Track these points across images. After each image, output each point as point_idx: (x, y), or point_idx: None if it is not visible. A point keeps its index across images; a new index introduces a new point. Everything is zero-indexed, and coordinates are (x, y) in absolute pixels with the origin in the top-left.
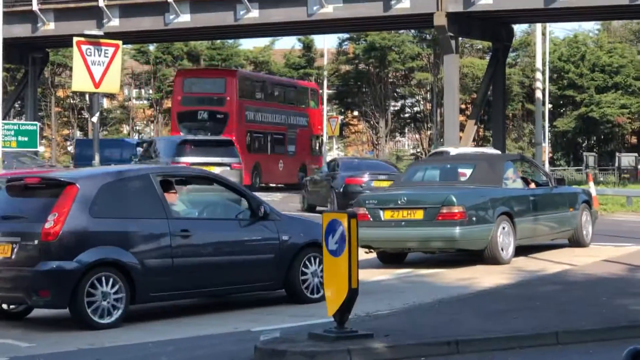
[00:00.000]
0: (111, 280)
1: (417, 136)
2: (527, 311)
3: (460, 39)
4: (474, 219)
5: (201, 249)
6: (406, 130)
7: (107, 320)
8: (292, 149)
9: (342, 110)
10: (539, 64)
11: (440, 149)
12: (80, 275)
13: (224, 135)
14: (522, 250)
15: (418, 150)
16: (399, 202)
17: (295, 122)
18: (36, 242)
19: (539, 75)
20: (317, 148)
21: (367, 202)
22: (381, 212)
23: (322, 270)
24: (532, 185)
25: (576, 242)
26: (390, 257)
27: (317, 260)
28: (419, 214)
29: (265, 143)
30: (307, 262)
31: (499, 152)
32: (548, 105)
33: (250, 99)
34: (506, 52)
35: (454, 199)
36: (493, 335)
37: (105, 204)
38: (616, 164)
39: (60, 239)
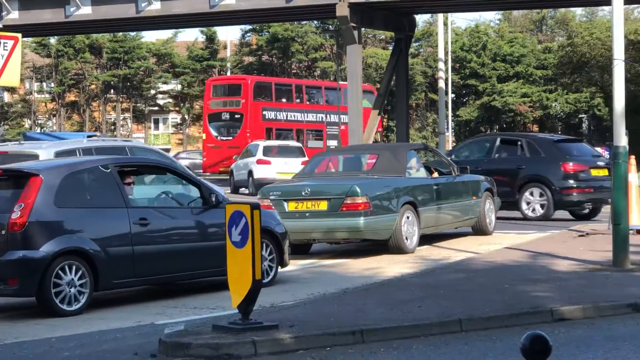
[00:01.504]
0: (75, 268)
1: None
2: (431, 299)
3: (363, 29)
4: (378, 209)
5: (159, 236)
6: None
7: (72, 308)
8: (335, 143)
9: None
10: (441, 54)
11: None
12: (47, 264)
13: (241, 132)
14: (426, 239)
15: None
16: (303, 193)
17: (336, 119)
18: (3, 232)
19: (441, 65)
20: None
21: (271, 193)
22: (285, 204)
23: (270, 255)
24: (436, 174)
25: (479, 230)
26: (295, 248)
27: (266, 245)
28: (323, 205)
29: (290, 138)
30: None
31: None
32: (451, 95)
33: (268, 101)
34: (409, 42)
35: (358, 190)
36: (398, 324)
37: (68, 194)
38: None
39: (26, 229)
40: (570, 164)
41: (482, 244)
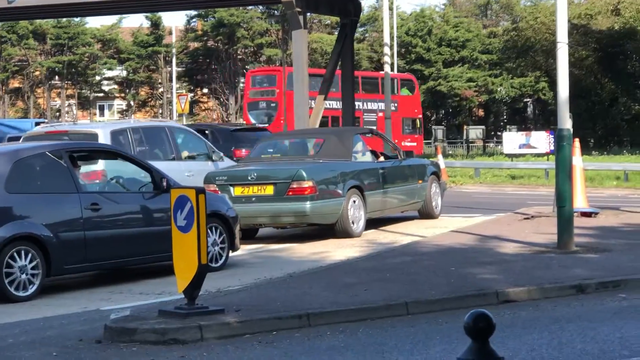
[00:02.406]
0: (27, 253)
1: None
2: (378, 283)
3: (308, 14)
4: (325, 193)
5: (110, 221)
6: None
7: (25, 293)
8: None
9: (192, 87)
10: (386, 39)
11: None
12: None
13: (276, 120)
14: (373, 223)
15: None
16: (249, 178)
17: (374, 107)
18: None
19: (387, 50)
20: (411, 128)
21: (216, 178)
22: (231, 188)
23: (222, 240)
24: (382, 159)
25: (426, 214)
26: (242, 233)
27: (217, 230)
28: (269, 190)
29: (326, 125)
30: (208, 232)
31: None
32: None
33: None
34: (354, 27)
35: (304, 174)
36: (344, 308)
37: (19, 180)
38: (464, 137)
39: None
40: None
41: (429, 228)
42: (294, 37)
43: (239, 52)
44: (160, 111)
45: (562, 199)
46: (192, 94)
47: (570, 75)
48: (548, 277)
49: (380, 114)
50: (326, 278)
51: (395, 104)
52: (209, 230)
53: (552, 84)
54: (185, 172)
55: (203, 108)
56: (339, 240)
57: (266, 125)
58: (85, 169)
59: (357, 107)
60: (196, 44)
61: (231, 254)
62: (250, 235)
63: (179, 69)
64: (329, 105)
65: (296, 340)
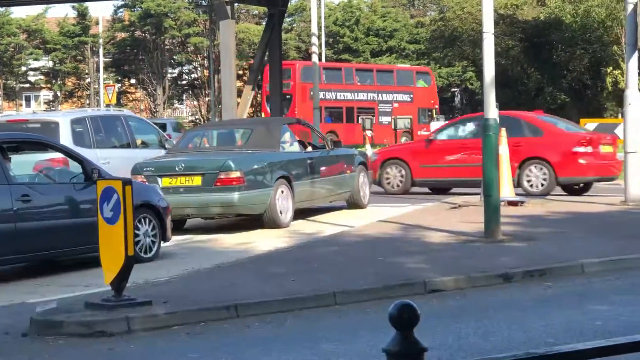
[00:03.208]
0: None
1: (196, 103)
2: (306, 273)
3: (236, 4)
4: (252, 183)
5: (41, 213)
6: (184, 97)
7: None
8: (388, 119)
9: (119, 78)
10: (314, 29)
11: None
12: None
13: (290, 111)
14: (301, 214)
15: (197, 117)
16: (177, 168)
17: (389, 98)
18: None
19: (314, 40)
20: (426, 118)
21: (144, 169)
22: (159, 179)
23: (153, 230)
24: (309, 149)
25: (354, 203)
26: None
27: (149, 220)
28: (197, 180)
29: (340, 116)
30: (138, 223)
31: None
32: None
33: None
34: (282, 17)
35: (232, 164)
36: (272, 298)
37: None
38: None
39: None
40: None
41: (356, 218)
42: (222, 28)
43: (166, 42)
44: (87, 102)
45: (489, 188)
46: (119, 85)
47: (496, 65)
48: (475, 266)
49: (396, 105)
50: (254, 269)
51: (411, 95)
52: (138, 222)
53: (479, 74)
54: (140, 159)
55: (131, 99)
56: (266, 230)
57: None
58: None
59: (372, 98)
60: (123, 34)
61: (163, 244)
62: (178, 226)
63: (106, 59)
64: (343, 97)
65: (224, 331)
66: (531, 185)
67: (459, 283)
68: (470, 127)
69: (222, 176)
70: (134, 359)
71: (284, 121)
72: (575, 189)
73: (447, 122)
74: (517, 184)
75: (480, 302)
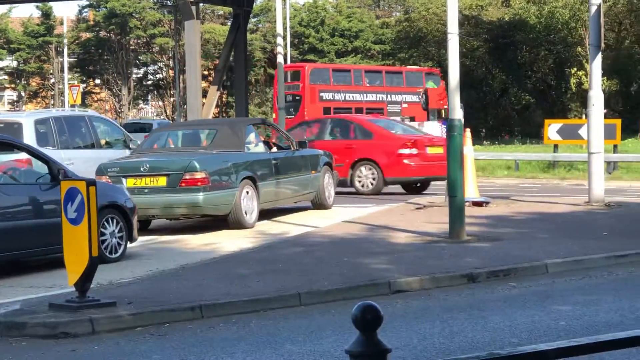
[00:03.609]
0: None
1: (161, 103)
2: (270, 274)
3: (201, 4)
4: (217, 184)
5: (6, 213)
6: (149, 98)
7: None
8: (398, 119)
9: (84, 78)
10: (279, 29)
11: None
12: None
13: (300, 112)
14: (266, 214)
15: (162, 117)
16: (142, 169)
17: (398, 99)
18: None
19: (280, 40)
20: (436, 118)
21: (109, 169)
22: (124, 180)
23: (119, 231)
24: (274, 149)
25: (319, 204)
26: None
27: (115, 221)
28: (162, 181)
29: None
30: (105, 223)
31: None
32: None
33: (325, 84)
34: (247, 17)
35: (197, 165)
36: (237, 299)
37: None
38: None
39: None
40: None
41: (321, 218)
42: (187, 28)
43: (131, 42)
44: (52, 102)
45: (454, 188)
46: (84, 85)
47: (461, 66)
48: (440, 266)
49: (405, 105)
50: (219, 269)
51: (417, 96)
52: (105, 222)
53: (444, 74)
54: (105, 159)
55: (96, 99)
56: (231, 231)
57: (292, 116)
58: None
59: (381, 99)
60: (88, 35)
61: (129, 245)
62: (144, 226)
63: (71, 59)
64: (352, 98)
65: (189, 332)
66: (362, 185)
67: (423, 283)
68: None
69: (187, 177)
70: None
71: (248, 121)
72: (414, 188)
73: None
74: (350, 183)
75: (445, 303)
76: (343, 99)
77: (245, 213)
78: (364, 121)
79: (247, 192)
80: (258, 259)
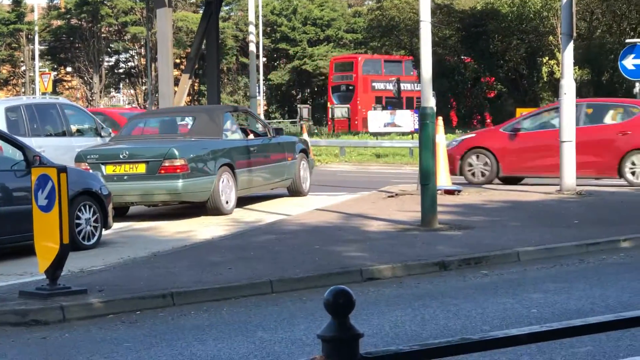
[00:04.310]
0: None
1: (132, 91)
2: (242, 262)
3: None
4: (196, 171)
5: None
6: (121, 86)
7: None
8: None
9: (55, 66)
10: (251, 18)
11: None
12: None
13: (353, 101)
14: (240, 202)
15: (134, 105)
16: (121, 156)
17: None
18: None
19: (252, 28)
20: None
21: (88, 156)
22: (103, 167)
23: (95, 218)
24: (251, 136)
25: (295, 191)
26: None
27: (90, 208)
28: (141, 168)
29: (401, 104)
30: (80, 210)
31: None
32: (262, 59)
33: (377, 74)
34: (219, 5)
35: (176, 152)
36: (208, 287)
37: None
38: (329, 115)
39: None
40: None
41: (294, 206)
42: (158, 16)
43: (103, 30)
44: (23, 90)
45: (426, 176)
46: (55, 73)
47: (433, 55)
48: (412, 254)
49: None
50: (191, 257)
51: None
52: (82, 209)
53: (417, 63)
54: (76, 147)
55: (67, 87)
56: (204, 219)
57: (344, 106)
58: None
59: (413, 88)
60: (59, 22)
61: (104, 231)
62: (121, 213)
63: (42, 47)
64: (404, 87)
65: (160, 319)
66: None
67: (395, 271)
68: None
69: (166, 164)
70: (68, 348)
71: (226, 109)
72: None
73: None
74: None
75: (417, 291)
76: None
77: (224, 200)
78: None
79: (226, 179)
80: (230, 247)
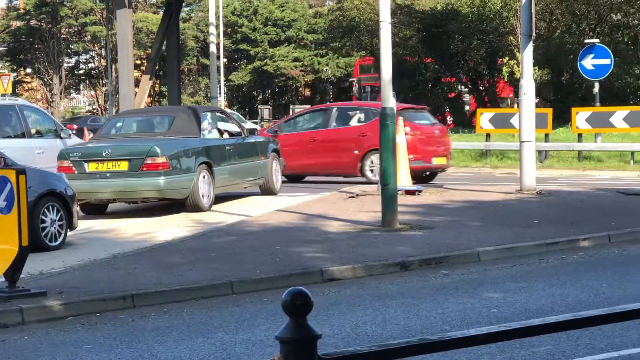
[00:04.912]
0: None
1: (93, 93)
2: (203, 263)
3: None
4: (177, 168)
5: None
6: (81, 87)
7: None
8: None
9: (15, 67)
10: (212, 19)
11: None
12: None
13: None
14: None
15: (94, 107)
16: (104, 154)
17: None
18: None
19: (212, 29)
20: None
21: (71, 155)
22: (86, 165)
23: (60, 219)
24: (226, 135)
25: (267, 189)
26: (92, 209)
27: (55, 208)
28: (123, 165)
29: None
30: (45, 211)
31: None
32: (223, 60)
33: None
34: (179, 6)
35: (158, 150)
36: (169, 288)
37: None
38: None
39: None
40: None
41: (255, 207)
42: (118, 17)
43: (62, 31)
44: None
45: (386, 177)
46: (14, 74)
47: (394, 55)
48: (372, 255)
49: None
50: (151, 258)
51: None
52: (45, 210)
53: (377, 64)
54: (36, 149)
55: (26, 88)
56: (164, 220)
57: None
58: None
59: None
60: (18, 23)
61: (69, 232)
62: (100, 210)
63: (1, 48)
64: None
65: (120, 321)
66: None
67: (356, 272)
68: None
69: (149, 161)
70: (27, 351)
71: (203, 109)
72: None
73: None
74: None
75: (378, 291)
76: None
77: (203, 196)
78: None
79: (204, 177)
80: (191, 248)
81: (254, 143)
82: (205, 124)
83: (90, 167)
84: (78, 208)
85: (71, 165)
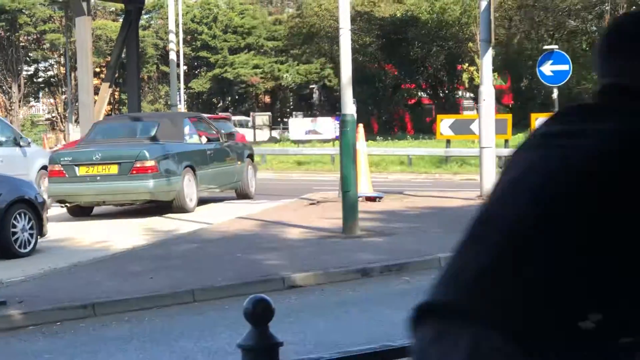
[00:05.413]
0: None
1: (52, 100)
2: (164, 271)
3: (92, 0)
4: (164, 171)
5: None
6: (40, 95)
7: None
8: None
9: None
10: (172, 26)
11: None
12: None
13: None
14: (156, 211)
15: (54, 115)
16: (94, 158)
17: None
18: None
19: (172, 37)
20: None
21: (61, 159)
22: (76, 168)
23: (30, 227)
24: (204, 140)
25: (243, 194)
26: (81, 211)
27: (26, 216)
28: (113, 169)
29: None
30: (17, 218)
31: None
32: (183, 67)
33: None
34: (139, 14)
35: (147, 153)
36: (129, 297)
37: None
38: (250, 123)
39: None
40: None
41: (215, 214)
42: (77, 24)
43: (21, 39)
44: None
45: (347, 183)
46: None
47: (354, 62)
48: (333, 261)
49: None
50: (111, 267)
51: None
52: (17, 217)
53: (337, 71)
54: None
55: None
56: (123, 228)
57: None
58: None
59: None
60: None
61: (40, 239)
62: (86, 213)
63: None
64: None
65: (81, 330)
66: None
67: (317, 279)
68: None
69: (138, 165)
70: None
71: (185, 115)
72: None
73: None
74: None
75: (339, 298)
76: None
77: (188, 199)
78: None
79: (189, 180)
80: (151, 256)
81: (231, 147)
82: (187, 130)
83: (80, 171)
84: (65, 210)
85: (62, 169)
